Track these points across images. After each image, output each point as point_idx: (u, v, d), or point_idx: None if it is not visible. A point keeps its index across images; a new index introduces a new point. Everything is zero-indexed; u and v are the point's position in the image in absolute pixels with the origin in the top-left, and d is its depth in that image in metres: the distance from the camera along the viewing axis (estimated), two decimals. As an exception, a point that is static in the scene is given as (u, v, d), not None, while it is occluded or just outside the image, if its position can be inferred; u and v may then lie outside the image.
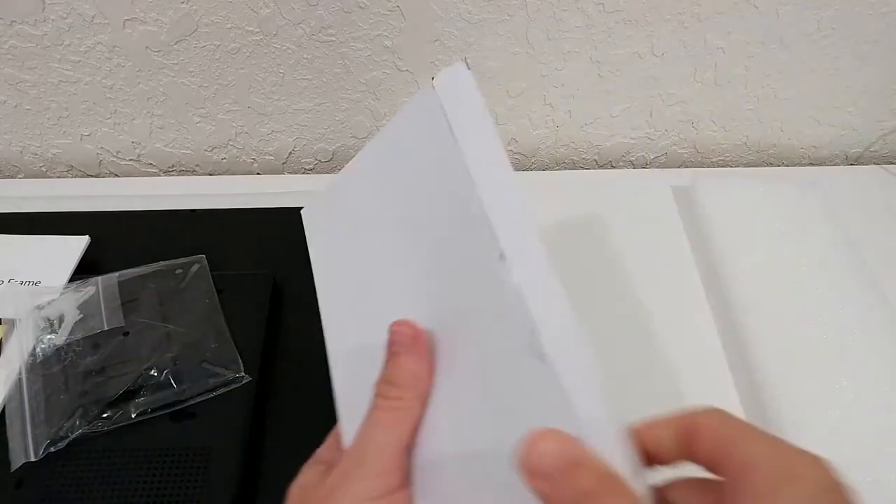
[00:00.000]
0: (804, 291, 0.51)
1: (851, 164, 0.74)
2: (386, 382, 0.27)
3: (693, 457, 0.22)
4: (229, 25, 0.57)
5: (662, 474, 0.23)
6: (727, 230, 0.56)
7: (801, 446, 0.20)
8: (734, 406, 0.47)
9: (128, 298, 0.47)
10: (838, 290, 0.51)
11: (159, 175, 0.69)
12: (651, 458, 0.23)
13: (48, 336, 0.44)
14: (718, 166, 0.74)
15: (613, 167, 0.73)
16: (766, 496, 0.19)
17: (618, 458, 0.21)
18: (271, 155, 0.68)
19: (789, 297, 0.50)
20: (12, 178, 0.68)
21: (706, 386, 0.48)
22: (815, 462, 0.20)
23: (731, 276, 0.52)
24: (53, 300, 0.47)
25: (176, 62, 0.59)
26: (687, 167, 0.73)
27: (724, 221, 0.56)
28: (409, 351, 0.27)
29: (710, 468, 0.21)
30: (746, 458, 0.20)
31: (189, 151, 0.67)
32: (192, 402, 0.42)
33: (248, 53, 0.59)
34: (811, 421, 0.44)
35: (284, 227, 0.58)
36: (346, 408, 0.31)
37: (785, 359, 0.47)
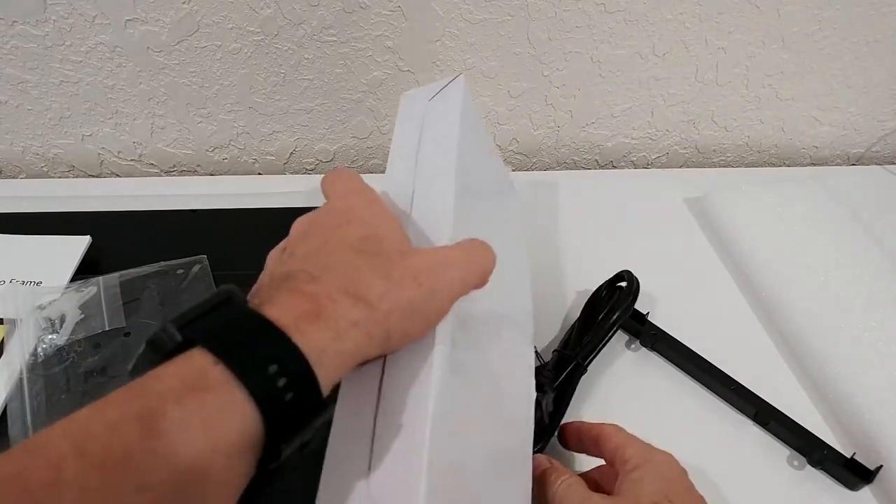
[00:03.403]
0: (843, 284, 0.52)
1: (853, 165, 0.74)
2: (484, 262, 0.31)
3: (599, 453, 0.36)
4: (230, 26, 0.57)
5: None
6: (746, 235, 0.57)
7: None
8: (795, 390, 0.47)
9: (129, 298, 0.47)
10: (878, 279, 0.52)
11: (160, 175, 0.69)
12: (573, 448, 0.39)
13: (49, 336, 0.44)
14: (720, 167, 0.73)
15: (615, 167, 0.73)
16: (634, 471, 0.32)
17: None
18: (272, 155, 0.68)
19: (828, 293, 0.52)
20: (14, 178, 0.68)
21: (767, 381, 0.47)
22: (667, 455, 0.34)
23: (762, 276, 0.54)
24: (55, 300, 0.47)
25: (177, 62, 0.59)
26: (688, 167, 0.73)
27: (744, 228, 0.57)
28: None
29: (608, 461, 0.35)
30: (625, 454, 0.34)
31: (190, 151, 0.67)
32: (193, 402, 0.42)
33: (249, 53, 0.59)
34: (876, 404, 0.44)
35: (286, 227, 0.58)
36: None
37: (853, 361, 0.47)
